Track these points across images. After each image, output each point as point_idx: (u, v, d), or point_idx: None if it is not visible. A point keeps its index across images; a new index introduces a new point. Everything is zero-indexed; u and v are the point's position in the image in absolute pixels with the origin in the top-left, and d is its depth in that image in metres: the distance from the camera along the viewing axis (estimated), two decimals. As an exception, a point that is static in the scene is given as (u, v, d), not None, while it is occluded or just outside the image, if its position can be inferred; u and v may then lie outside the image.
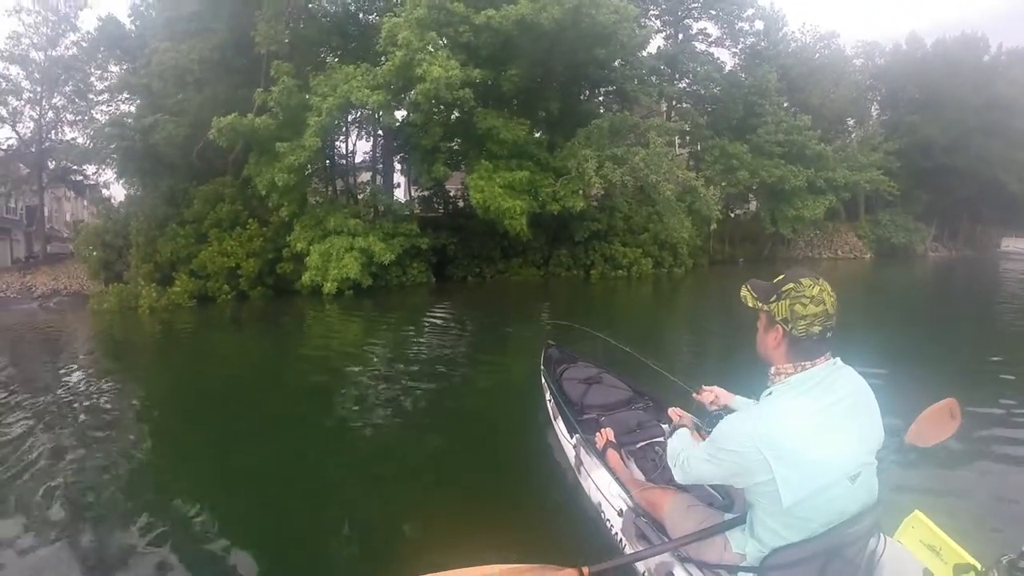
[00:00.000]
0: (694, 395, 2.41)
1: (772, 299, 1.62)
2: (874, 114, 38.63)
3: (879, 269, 26.97)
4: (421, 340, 9.78)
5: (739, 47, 30.87)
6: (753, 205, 31.85)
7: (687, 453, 1.86)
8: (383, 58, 17.12)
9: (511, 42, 17.91)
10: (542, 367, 4.38)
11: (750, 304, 1.69)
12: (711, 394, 2.37)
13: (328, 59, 20.18)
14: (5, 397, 6.58)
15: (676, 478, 1.92)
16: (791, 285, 1.58)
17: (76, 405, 6.12)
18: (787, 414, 1.56)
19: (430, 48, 16.58)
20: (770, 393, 1.66)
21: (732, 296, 1.92)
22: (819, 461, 1.54)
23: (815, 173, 27.58)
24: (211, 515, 3.46)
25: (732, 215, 32.53)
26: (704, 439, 2.89)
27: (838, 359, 1.65)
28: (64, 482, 3.91)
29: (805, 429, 1.54)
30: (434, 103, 17.29)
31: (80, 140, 24.06)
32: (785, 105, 29.84)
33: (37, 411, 5.82)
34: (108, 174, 25.49)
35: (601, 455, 2.94)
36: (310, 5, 19.43)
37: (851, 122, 36.61)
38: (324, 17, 20.63)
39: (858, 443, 1.60)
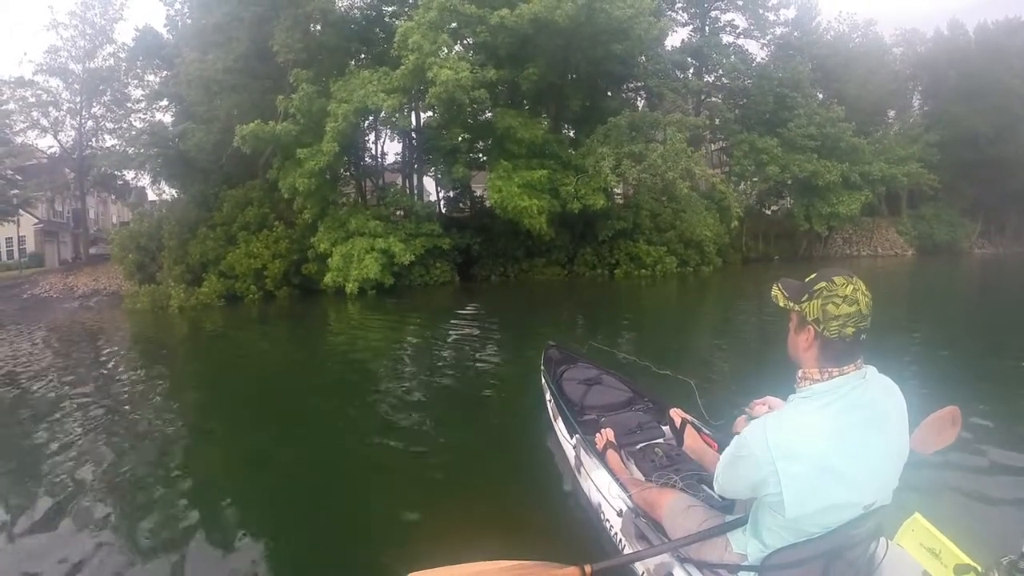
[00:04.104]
0: (747, 409, 2.22)
1: (803, 298, 1.55)
2: (916, 104, 37.10)
3: (920, 267, 25.84)
4: (433, 340, 9.87)
5: (767, 38, 30.12)
6: (788, 201, 30.92)
7: (722, 460, 1.79)
8: (402, 62, 17.32)
9: (528, 41, 17.87)
10: (542, 367, 4.38)
11: (781, 303, 1.62)
12: (764, 407, 2.18)
13: (351, 64, 20.44)
14: (42, 389, 7.02)
15: (715, 490, 1.86)
16: (823, 284, 1.52)
17: (103, 397, 6.38)
18: (807, 426, 1.50)
19: (443, 51, 16.65)
20: (793, 399, 1.60)
21: (758, 297, 1.82)
22: (833, 486, 1.49)
23: (850, 167, 26.56)
24: (217, 505, 3.53)
25: (767, 212, 31.67)
26: (710, 441, 2.79)
27: (870, 368, 1.58)
28: (95, 472, 4.13)
29: (823, 449, 1.48)
30: (452, 104, 17.34)
31: (119, 147, 24.90)
32: (820, 97, 28.92)
33: (70, 403, 6.12)
34: (145, 179, 26.38)
35: (601, 456, 2.92)
36: (339, 7, 19.69)
37: (892, 114, 35.23)
38: (351, 24, 20.92)
39: (879, 469, 1.56)
